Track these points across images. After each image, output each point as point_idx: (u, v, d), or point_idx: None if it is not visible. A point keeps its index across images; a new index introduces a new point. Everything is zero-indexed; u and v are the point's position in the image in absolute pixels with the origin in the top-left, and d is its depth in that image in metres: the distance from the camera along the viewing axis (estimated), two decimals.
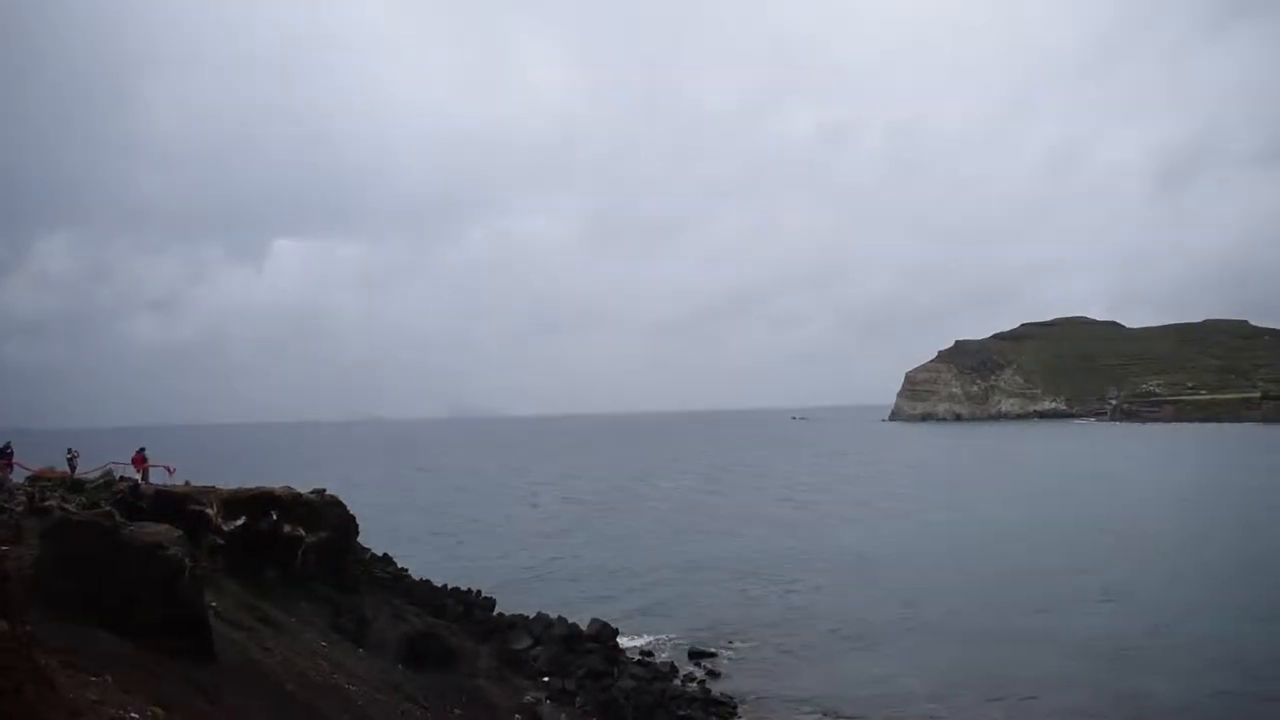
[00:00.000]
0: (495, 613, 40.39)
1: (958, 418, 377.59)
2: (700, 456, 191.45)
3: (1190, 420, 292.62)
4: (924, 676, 36.00)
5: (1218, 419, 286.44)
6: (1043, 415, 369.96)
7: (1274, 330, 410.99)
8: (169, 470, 37.80)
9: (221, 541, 28.97)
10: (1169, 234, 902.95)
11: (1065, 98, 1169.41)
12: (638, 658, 38.23)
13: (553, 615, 39.89)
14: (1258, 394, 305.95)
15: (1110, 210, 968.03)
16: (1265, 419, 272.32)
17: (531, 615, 39.95)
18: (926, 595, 50.39)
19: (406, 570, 40.76)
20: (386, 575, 38.01)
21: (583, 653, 36.41)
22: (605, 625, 39.53)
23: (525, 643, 36.53)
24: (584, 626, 39.09)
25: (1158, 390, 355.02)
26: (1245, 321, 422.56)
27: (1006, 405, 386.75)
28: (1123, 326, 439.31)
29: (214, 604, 21.56)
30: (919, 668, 37.16)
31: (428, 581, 40.66)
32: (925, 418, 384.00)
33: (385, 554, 40.14)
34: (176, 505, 28.49)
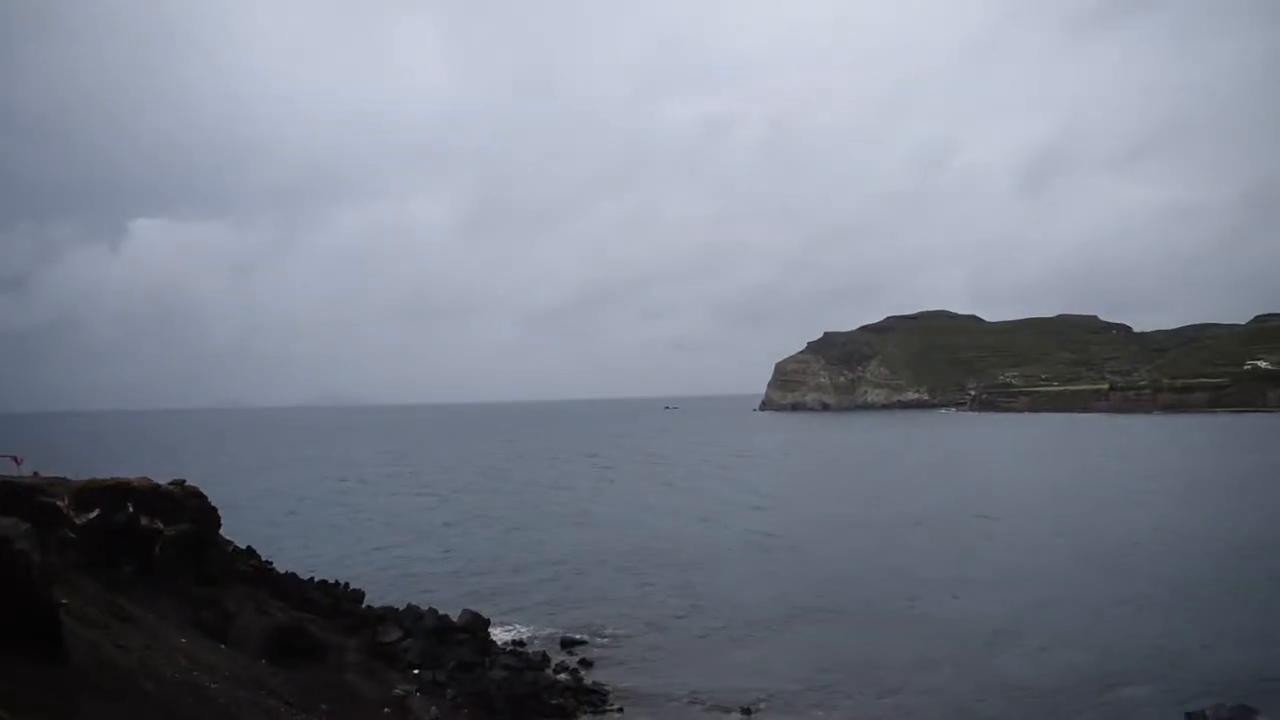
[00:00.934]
0: (364, 605, 39.65)
1: (825, 407, 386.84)
2: (575, 446, 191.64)
3: (1044, 410, 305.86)
4: (795, 662, 36.74)
5: (1069, 409, 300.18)
6: (906, 405, 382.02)
7: (1122, 325, 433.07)
8: (15, 460, 36.03)
9: (74, 535, 27.75)
10: (1029, 231, 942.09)
11: (938, 97, 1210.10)
12: (510, 648, 38.04)
13: (424, 607, 39.39)
14: (1106, 385, 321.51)
15: (976, 207, 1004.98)
16: (1113, 409, 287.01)
17: (402, 607, 39.38)
18: (800, 583, 51.40)
19: (271, 563, 39.71)
20: (250, 569, 36.94)
21: (454, 644, 36.05)
22: (477, 616, 39.21)
23: (395, 635, 35.95)
24: (455, 618, 38.70)
25: (1014, 381, 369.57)
26: (1096, 317, 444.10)
27: (872, 395, 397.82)
28: (983, 320, 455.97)
29: (65, 601, 20.62)
30: (790, 654, 37.91)
31: (294, 575, 39.67)
32: (795, 407, 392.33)
33: (249, 547, 39.01)
34: (24, 497, 27.13)
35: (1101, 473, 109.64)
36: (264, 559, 39.63)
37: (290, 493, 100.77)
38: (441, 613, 39.00)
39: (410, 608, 39.17)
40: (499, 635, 39.68)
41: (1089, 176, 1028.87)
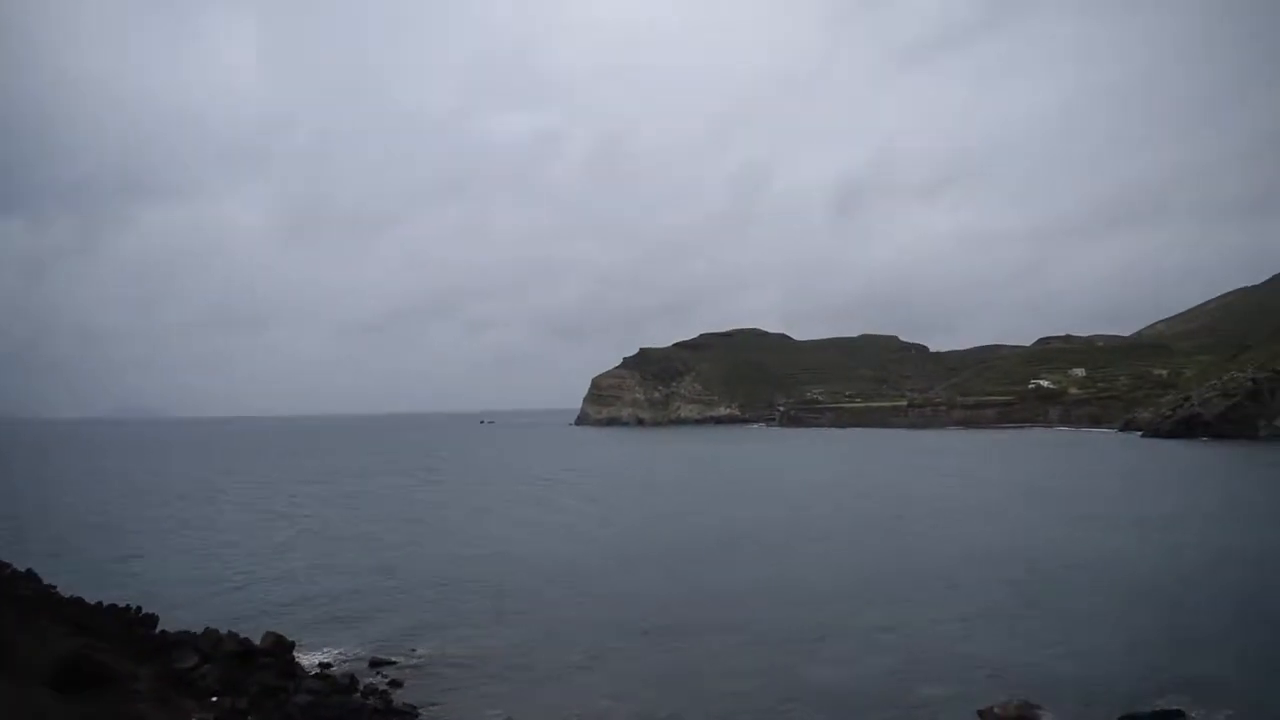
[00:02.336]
0: (158, 630, 37.53)
1: (640, 422, 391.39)
2: (392, 460, 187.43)
3: (848, 425, 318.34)
4: (611, 678, 36.77)
5: (871, 424, 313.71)
6: (719, 420, 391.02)
7: (920, 345, 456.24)
8: None
9: None
10: (839, 254, 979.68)
11: (760, 122, 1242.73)
12: (316, 671, 36.72)
13: (223, 630, 37.56)
14: (905, 402, 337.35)
15: (791, 229, 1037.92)
16: (911, 425, 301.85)
17: (199, 631, 37.44)
18: (620, 598, 51.51)
19: (54, 587, 37.16)
20: (30, 593, 34.48)
21: (256, 668, 34.51)
22: (281, 638, 37.65)
23: (192, 660, 34.17)
24: (258, 640, 37.08)
25: (820, 398, 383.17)
26: (896, 337, 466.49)
27: (686, 411, 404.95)
28: (792, 339, 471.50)
29: None
30: (606, 670, 37.89)
31: (79, 599, 37.20)
32: (610, 422, 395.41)
33: (29, 570, 36.41)
34: None
35: (904, 484, 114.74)
36: (46, 583, 37.06)
37: (76, 510, 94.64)
38: (243, 635, 37.24)
39: (209, 631, 37.25)
40: (305, 658, 38.23)
41: (896, 204, 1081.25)
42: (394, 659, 39.12)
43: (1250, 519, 77.77)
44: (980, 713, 31.07)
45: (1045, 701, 32.02)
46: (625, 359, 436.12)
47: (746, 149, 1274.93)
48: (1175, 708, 31.17)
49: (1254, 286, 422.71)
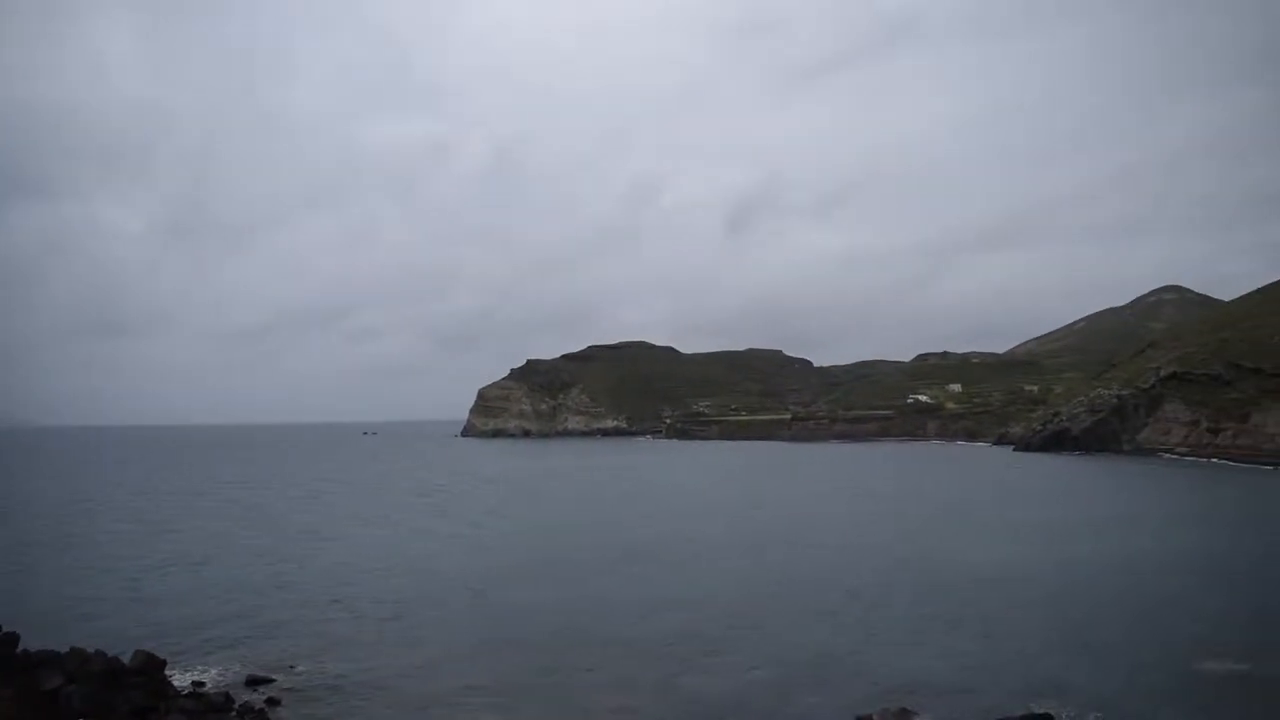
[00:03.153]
0: (19, 649, 35.86)
1: (527, 434, 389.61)
2: (275, 470, 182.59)
3: (733, 438, 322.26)
4: (493, 690, 36.45)
5: (756, 437, 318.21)
6: (605, 433, 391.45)
7: (804, 360, 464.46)
8: None
9: None
10: (728, 270, 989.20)
11: (654, 137, 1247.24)
12: (189, 690, 35.55)
13: (90, 649, 36.08)
14: (789, 415, 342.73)
15: (681, 245, 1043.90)
16: (795, 437, 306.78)
17: (65, 650, 35.88)
18: (503, 610, 51.18)
19: None
20: None
21: (125, 688, 33.24)
22: (151, 656, 36.33)
23: (56, 681, 32.76)
24: (128, 659, 35.72)
25: (706, 411, 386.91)
26: (780, 351, 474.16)
27: (573, 423, 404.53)
28: (679, 352, 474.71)
29: None
30: (488, 682, 37.57)
31: None
32: (496, 434, 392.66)
33: None
34: None
35: (788, 495, 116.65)
36: None
37: None
38: (111, 654, 35.85)
39: (75, 650, 35.73)
40: (178, 677, 36.96)
41: (784, 221, 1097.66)
42: (273, 676, 38.06)
43: (1117, 528, 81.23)
44: (858, 718, 31.78)
45: (922, 707, 32.91)
46: (512, 370, 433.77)
47: (638, 163, 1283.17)
48: (1044, 711, 32.32)
49: (1120, 307, 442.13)
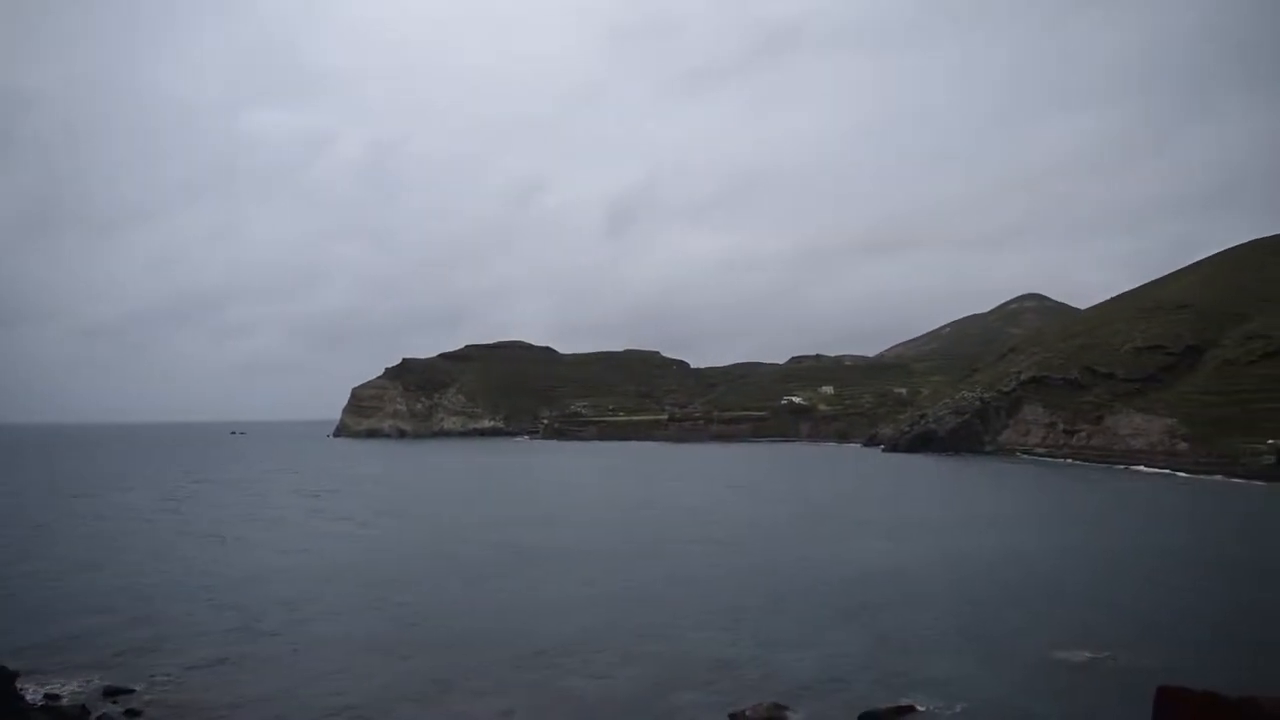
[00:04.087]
0: None
1: (402, 434, 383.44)
2: (140, 471, 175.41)
3: (611, 438, 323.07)
4: (365, 693, 35.85)
5: (634, 437, 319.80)
6: (482, 433, 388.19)
7: (682, 361, 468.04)
8: None
9: None
10: (608, 271, 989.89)
11: (537, 136, 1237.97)
12: (42, 703, 33.92)
13: None
14: (666, 416, 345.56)
15: (562, 244, 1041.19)
16: (672, 438, 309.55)
17: None
18: (377, 612, 50.32)
19: None
20: None
21: None
22: (1, 669, 34.61)
23: None
24: None
25: (584, 411, 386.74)
26: (658, 353, 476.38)
27: (449, 423, 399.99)
28: (557, 352, 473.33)
29: None
30: (361, 686, 36.90)
31: None
32: (370, 434, 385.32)
33: None
34: None
35: (669, 494, 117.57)
36: None
37: None
38: None
39: None
40: (30, 689, 35.20)
41: (665, 224, 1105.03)
42: (133, 687, 36.48)
43: (982, 525, 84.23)
44: (732, 715, 32.22)
45: (793, 702, 33.59)
46: (387, 369, 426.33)
47: (521, 161, 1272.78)
48: (910, 703, 33.38)
49: (984, 313, 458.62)
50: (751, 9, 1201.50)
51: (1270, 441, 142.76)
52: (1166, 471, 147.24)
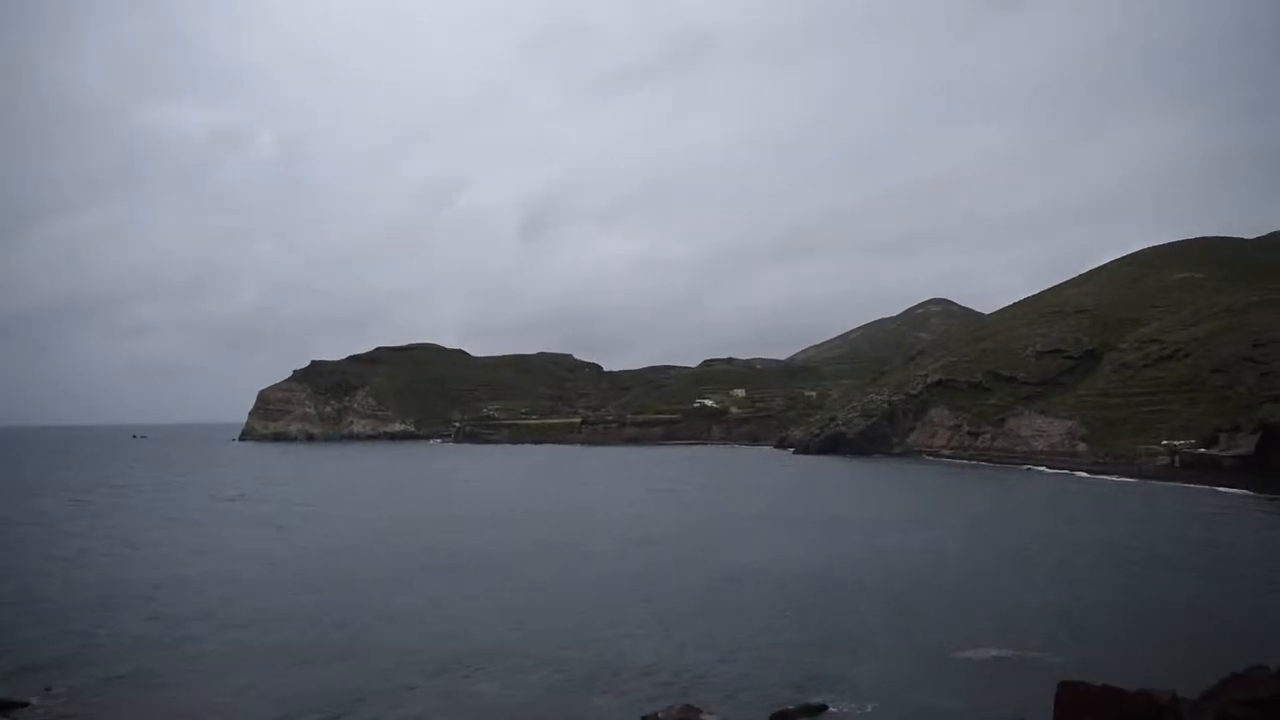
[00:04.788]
0: None
1: (310, 438, 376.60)
2: (47, 476, 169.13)
3: (524, 442, 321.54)
4: (275, 703, 35.06)
5: (547, 440, 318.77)
6: (393, 436, 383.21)
7: (594, 364, 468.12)
8: None
9: None
10: (521, 274, 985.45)
11: (451, 136, 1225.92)
12: None
13: None
14: (579, 420, 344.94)
15: (476, 246, 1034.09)
16: (585, 441, 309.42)
17: None
18: (291, 621, 49.08)
19: None
20: None
21: None
22: None
23: None
24: None
25: (496, 414, 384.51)
26: (570, 356, 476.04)
27: (359, 426, 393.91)
28: (469, 355, 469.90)
29: None
30: (272, 695, 36.08)
31: None
32: (278, 437, 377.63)
33: None
34: None
35: (581, 500, 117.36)
36: None
37: None
38: None
39: None
40: None
41: (579, 227, 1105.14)
42: (26, 700, 35.11)
43: (891, 525, 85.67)
44: (644, 718, 32.25)
45: (706, 703, 33.67)
46: (295, 371, 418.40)
47: (434, 162, 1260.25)
48: (821, 702, 33.78)
49: (892, 317, 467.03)
50: (666, 16, 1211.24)
51: (1165, 442, 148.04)
52: (1066, 472, 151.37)
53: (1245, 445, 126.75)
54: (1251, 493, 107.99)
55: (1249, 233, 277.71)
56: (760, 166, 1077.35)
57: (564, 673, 38.70)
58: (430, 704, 34.95)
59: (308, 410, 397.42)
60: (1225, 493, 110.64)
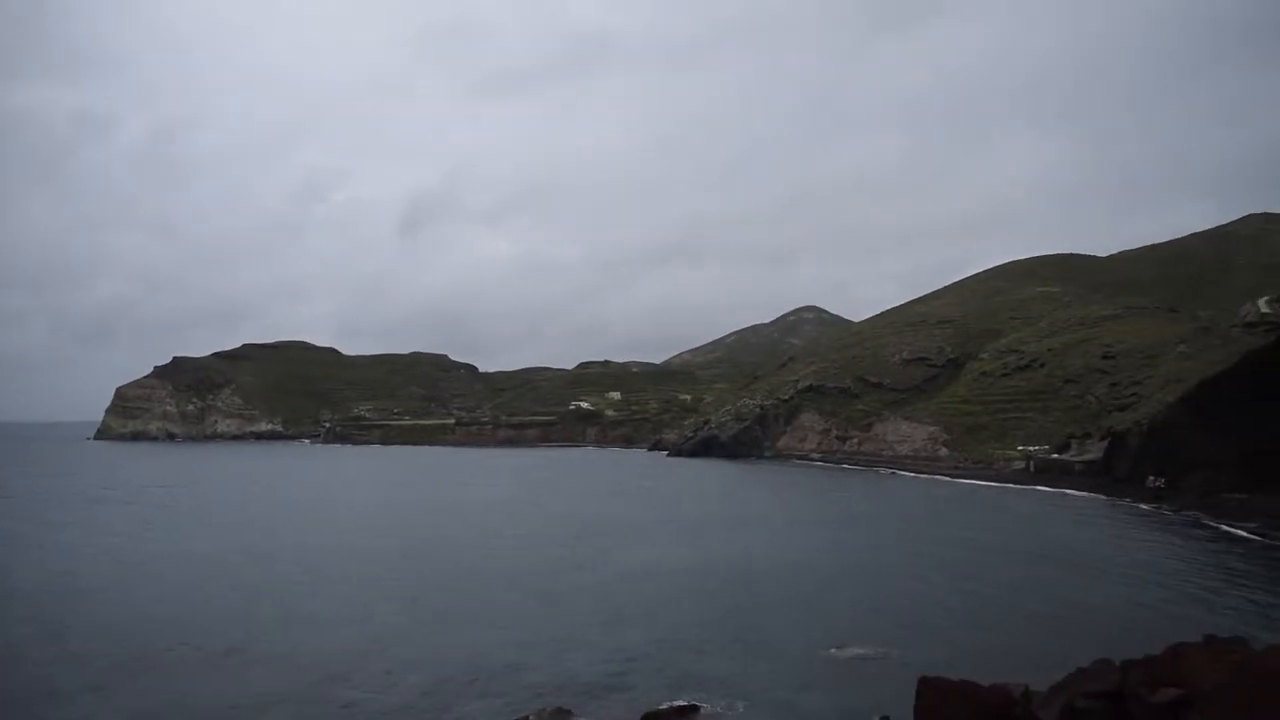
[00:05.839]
0: None
1: (171, 437, 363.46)
2: None
3: (396, 443, 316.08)
4: (114, 712, 34.03)
5: (420, 441, 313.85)
6: (260, 436, 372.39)
7: (470, 365, 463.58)
8: None
9: None
10: (398, 272, 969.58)
11: (331, 129, 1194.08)
12: None
13: None
14: (453, 421, 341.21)
15: (351, 243, 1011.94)
16: (459, 442, 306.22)
17: None
18: (142, 627, 47.57)
19: None
20: None
21: None
22: None
23: None
24: None
25: (368, 415, 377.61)
26: (445, 356, 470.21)
27: (224, 425, 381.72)
28: (340, 354, 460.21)
29: None
30: (127, 705, 35.00)
31: None
32: (136, 437, 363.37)
33: None
34: None
35: (454, 500, 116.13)
36: None
37: None
38: None
39: None
40: None
41: (460, 227, 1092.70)
42: None
43: (760, 526, 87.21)
44: None
45: (578, 706, 33.95)
46: (157, 368, 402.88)
47: (312, 155, 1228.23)
48: (693, 702, 34.29)
49: (766, 323, 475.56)
50: (559, 19, 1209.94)
51: (1020, 448, 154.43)
52: (929, 476, 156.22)
53: (1095, 451, 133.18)
54: (1100, 496, 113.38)
55: (1102, 251, 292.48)
56: (645, 172, 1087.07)
57: (433, 677, 38.41)
58: (296, 712, 34.33)
59: (169, 409, 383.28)
60: (1076, 496, 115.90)
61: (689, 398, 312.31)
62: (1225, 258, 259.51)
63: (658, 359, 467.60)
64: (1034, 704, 25.02)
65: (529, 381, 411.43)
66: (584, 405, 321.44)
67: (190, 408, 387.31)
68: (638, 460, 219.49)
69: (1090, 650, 30.79)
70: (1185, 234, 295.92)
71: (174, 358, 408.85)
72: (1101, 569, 65.10)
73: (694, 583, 59.12)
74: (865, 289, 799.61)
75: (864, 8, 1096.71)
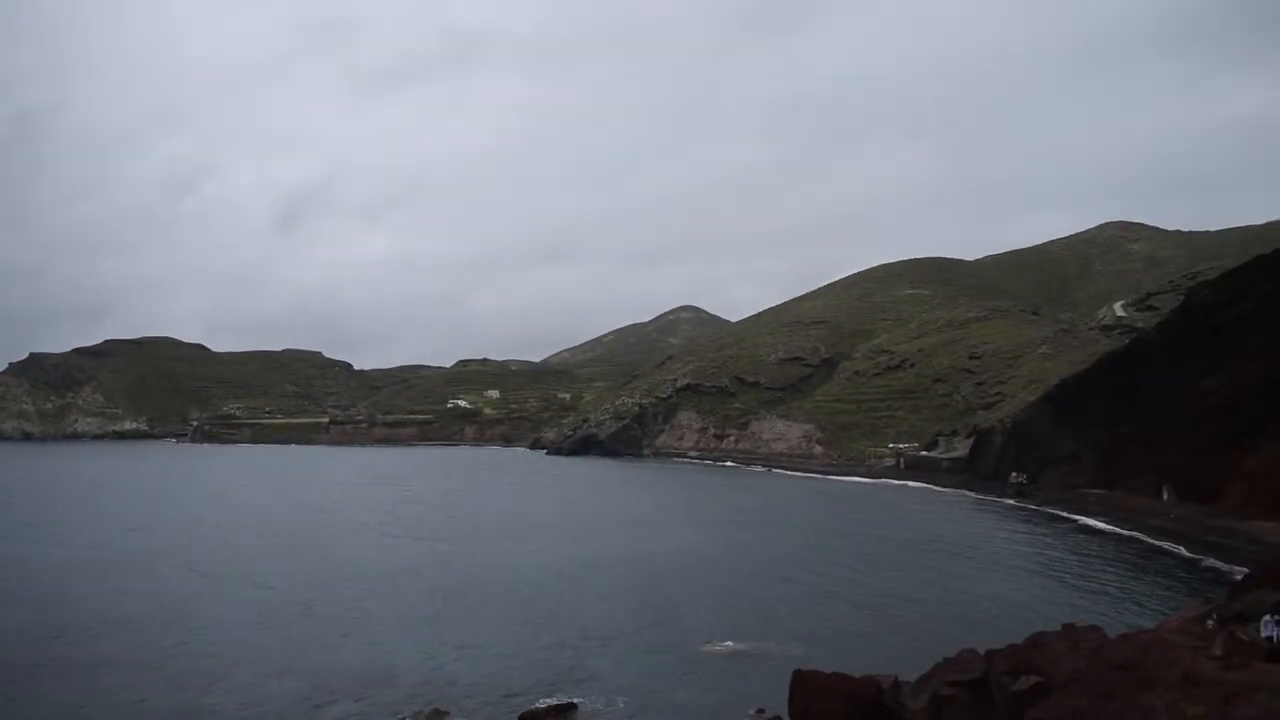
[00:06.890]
0: None
1: (28, 437, 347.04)
2: None
3: (267, 441, 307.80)
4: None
5: (293, 440, 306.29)
6: (123, 435, 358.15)
7: (344, 363, 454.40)
8: None
9: None
10: (271, 267, 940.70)
11: (202, 118, 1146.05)
12: None
13: None
14: (327, 419, 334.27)
15: (221, 237, 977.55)
16: (333, 441, 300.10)
17: None
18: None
19: None
20: None
21: None
22: None
23: None
24: None
25: (238, 413, 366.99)
26: (320, 353, 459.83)
27: (84, 424, 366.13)
28: (210, 350, 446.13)
29: None
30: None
31: None
32: None
33: None
34: None
35: (329, 500, 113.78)
36: None
37: None
38: None
39: None
40: None
41: (337, 222, 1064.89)
42: None
43: (637, 526, 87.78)
44: None
45: (455, 707, 33.78)
46: (11, 364, 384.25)
47: (182, 145, 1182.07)
48: (571, 701, 34.48)
49: (644, 323, 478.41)
50: (438, 16, 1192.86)
51: (891, 445, 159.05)
52: (803, 474, 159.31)
53: (961, 448, 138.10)
54: (968, 491, 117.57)
55: (969, 255, 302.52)
56: (523, 170, 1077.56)
57: (306, 681, 37.66)
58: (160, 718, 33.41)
59: (25, 407, 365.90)
60: (943, 491, 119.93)
61: (568, 396, 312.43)
62: (1084, 263, 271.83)
63: (537, 358, 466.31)
64: (903, 694, 26.06)
65: (406, 379, 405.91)
66: (462, 403, 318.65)
67: (49, 406, 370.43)
68: (517, 459, 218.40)
69: (958, 639, 32.18)
70: (1046, 240, 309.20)
71: (31, 353, 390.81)
72: (970, 560, 67.56)
73: (573, 581, 59.29)
74: (742, 289, 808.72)
75: (738, 14, 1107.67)
